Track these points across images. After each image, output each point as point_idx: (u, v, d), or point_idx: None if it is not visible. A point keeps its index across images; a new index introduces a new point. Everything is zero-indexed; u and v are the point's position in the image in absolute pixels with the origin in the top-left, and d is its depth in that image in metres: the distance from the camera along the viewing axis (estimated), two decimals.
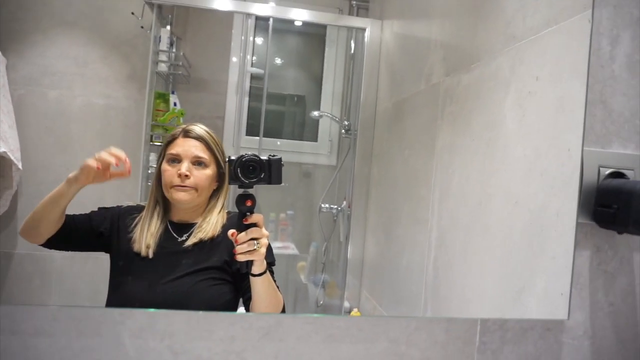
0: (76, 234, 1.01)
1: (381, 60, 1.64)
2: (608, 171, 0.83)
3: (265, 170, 0.89)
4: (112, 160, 0.91)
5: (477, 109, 0.92)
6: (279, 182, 0.92)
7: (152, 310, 0.41)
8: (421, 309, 1.10)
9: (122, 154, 0.93)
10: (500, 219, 0.80)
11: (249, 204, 0.88)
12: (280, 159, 0.92)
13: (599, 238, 0.81)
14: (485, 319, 0.50)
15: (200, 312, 0.42)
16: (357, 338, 0.47)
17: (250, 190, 0.90)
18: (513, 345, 0.61)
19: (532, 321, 0.55)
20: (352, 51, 1.98)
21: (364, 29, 1.63)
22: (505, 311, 0.78)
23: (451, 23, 1.10)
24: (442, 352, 0.54)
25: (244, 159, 0.88)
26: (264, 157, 0.90)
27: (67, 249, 1.03)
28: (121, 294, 1.00)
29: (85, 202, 1.80)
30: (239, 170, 0.88)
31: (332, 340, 0.46)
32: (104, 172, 0.90)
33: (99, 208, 0.96)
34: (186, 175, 1.00)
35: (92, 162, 0.90)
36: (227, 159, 0.92)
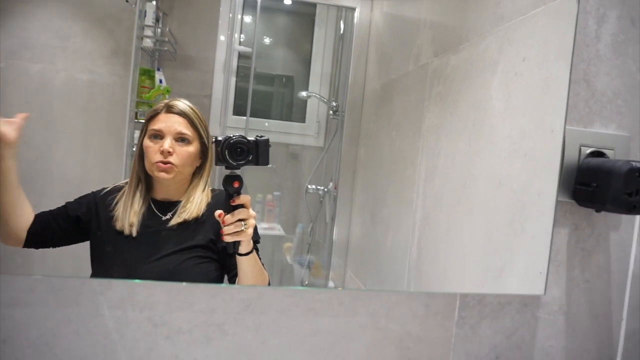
0: (54, 225, 0.98)
1: (370, 40, 1.63)
2: (589, 150, 0.85)
3: (253, 152, 0.89)
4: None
5: (464, 89, 0.92)
6: (266, 163, 0.91)
7: (132, 281, 0.41)
8: (404, 288, 1.12)
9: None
10: (483, 199, 0.81)
11: (236, 185, 0.88)
12: (267, 140, 0.91)
13: (578, 216, 0.83)
14: (464, 293, 0.52)
15: (182, 284, 0.42)
16: (337, 311, 0.47)
17: (237, 171, 0.89)
18: (491, 320, 0.62)
19: (509, 296, 0.56)
20: (342, 31, 1.96)
21: (353, 9, 1.61)
22: (485, 289, 0.79)
23: (440, 3, 1.09)
24: (422, 326, 0.55)
25: (231, 141, 0.87)
26: (251, 138, 0.89)
27: (50, 245, 1.00)
28: (105, 274, 0.99)
29: (69, 182, 1.78)
30: (226, 152, 0.87)
31: (313, 314, 0.46)
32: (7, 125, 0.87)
33: (75, 198, 0.94)
34: (169, 152, 0.98)
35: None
36: (213, 140, 0.91)
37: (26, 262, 1.81)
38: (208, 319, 0.43)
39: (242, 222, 0.87)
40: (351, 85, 1.63)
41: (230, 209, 0.87)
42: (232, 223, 0.86)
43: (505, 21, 0.79)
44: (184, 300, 0.42)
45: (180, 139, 0.99)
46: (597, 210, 0.88)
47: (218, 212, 0.88)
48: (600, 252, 0.82)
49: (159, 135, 0.99)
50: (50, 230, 0.99)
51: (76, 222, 1.02)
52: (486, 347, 0.65)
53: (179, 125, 1.00)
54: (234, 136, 0.88)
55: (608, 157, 0.88)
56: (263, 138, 0.90)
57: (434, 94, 1.05)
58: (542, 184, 0.67)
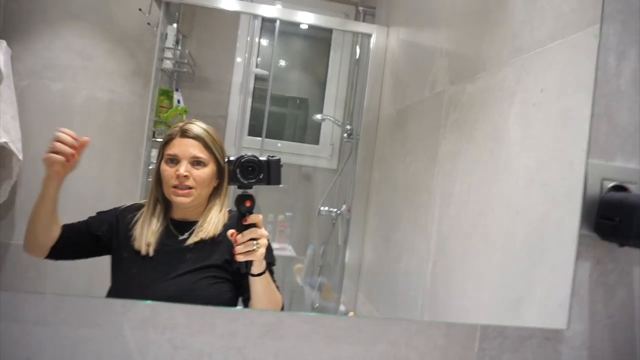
0: (75, 240, 1.00)
1: (386, 66, 1.65)
2: (611, 184, 0.84)
3: (264, 171, 0.89)
4: (68, 149, 0.90)
5: (481, 118, 0.92)
6: (277, 182, 0.91)
7: (154, 302, 0.42)
8: (418, 314, 1.11)
9: (70, 134, 0.92)
10: (500, 228, 0.81)
11: (248, 204, 0.88)
12: (279, 160, 0.91)
13: (600, 250, 0.82)
14: (485, 325, 0.51)
15: (202, 307, 0.42)
16: (357, 339, 0.47)
17: (250, 191, 0.89)
18: (512, 352, 0.61)
19: (531, 329, 0.55)
20: (357, 56, 1.99)
21: (369, 35, 1.64)
22: (502, 320, 0.78)
23: (457, 32, 1.11)
24: (441, 356, 0.54)
25: (242, 160, 0.88)
26: (263, 158, 0.90)
27: (71, 258, 1.02)
28: (122, 292, 1.00)
29: (86, 198, 1.80)
30: (238, 171, 0.88)
31: (333, 341, 0.46)
32: (68, 160, 0.89)
33: (97, 213, 0.95)
34: (185, 176, 0.99)
35: (54, 157, 0.89)
36: (226, 159, 0.92)
37: (40, 275, 1.83)
38: (228, 342, 0.43)
39: (254, 242, 0.87)
40: (366, 109, 1.65)
41: (242, 228, 0.87)
42: (243, 242, 0.86)
43: (523, 52, 0.80)
44: (205, 323, 0.42)
45: (196, 162, 1.01)
46: (620, 245, 0.87)
47: (230, 231, 0.89)
48: (623, 287, 0.80)
49: (174, 160, 1.00)
50: (73, 245, 1.01)
51: (96, 241, 1.03)
52: None
53: (193, 149, 1.02)
54: (245, 155, 0.89)
55: (631, 192, 0.88)
56: (274, 158, 0.91)
57: (450, 122, 1.06)
58: (561, 215, 0.67)
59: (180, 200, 0.98)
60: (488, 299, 0.84)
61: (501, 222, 0.81)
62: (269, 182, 0.90)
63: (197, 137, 1.02)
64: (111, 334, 0.40)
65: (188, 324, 0.41)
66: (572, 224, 0.64)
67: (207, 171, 1.00)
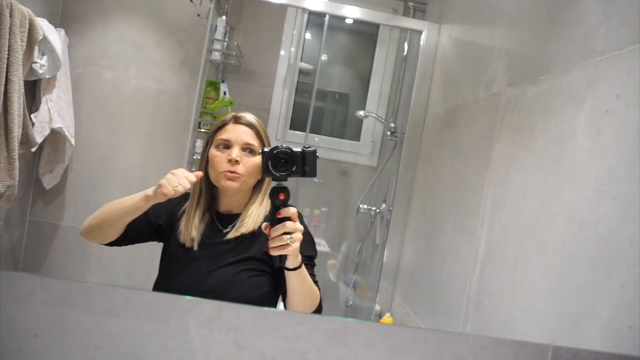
0: (137, 233, 1.01)
1: (436, 64, 1.60)
2: None
3: (298, 163, 0.86)
4: (187, 188, 0.91)
5: (542, 122, 0.88)
6: (313, 175, 0.88)
7: (220, 302, 0.42)
8: (461, 322, 1.08)
9: (191, 178, 0.92)
10: (561, 239, 0.77)
11: (282, 197, 0.85)
12: (315, 151, 0.87)
13: None
14: (557, 346, 0.48)
15: (267, 309, 0.42)
16: (422, 351, 0.45)
17: (284, 183, 0.87)
18: None
19: (608, 355, 0.52)
20: (405, 53, 1.95)
21: (420, 32, 1.60)
22: (558, 337, 0.74)
23: (519, 31, 1.06)
24: None
25: (275, 152, 0.85)
26: (297, 149, 0.86)
27: (127, 244, 1.04)
28: (167, 281, 1.01)
29: (130, 184, 1.86)
30: (269, 163, 0.85)
31: (397, 351, 0.45)
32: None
33: (153, 205, 0.96)
34: (236, 161, 0.98)
35: (168, 190, 0.89)
36: (260, 151, 0.90)
37: (85, 258, 1.90)
38: (292, 346, 0.42)
39: (288, 236, 0.84)
40: (413, 107, 1.61)
41: (276, 221, 0.85)
42: (277, 236, 0.84)
43: (597, 55, 0.76)
44: (269, 326, 0.42)
45: (248, 149, 1.00)
46: None
47: (264, 224, 0.87)
48: None
49: (226, 145, 1.00)
50: (134, 236, 1.02)
51: (157, 229, 1.04)
52: None
53: (246, 135, 1.01)
54: (279, 147, 0.86)
55: None
56: (310, 149, 0.87)
57: (506, 125, 1.02)
58: (635, 231, 0.62)
59: (228, 184, 0.98)
60: (542, 314, 0.80)
61: (562, 233, 0.77)
62: (303, 174, 0.86)
63: (250, 125, 1.02)
64: (177, 331, 0.41)
65: (253, 325, 0.41)
66: None
67: (256, 160, 1.00)
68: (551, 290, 0.78)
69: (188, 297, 0.42)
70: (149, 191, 0.94)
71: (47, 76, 1.58)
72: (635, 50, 0.68)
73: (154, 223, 1.04)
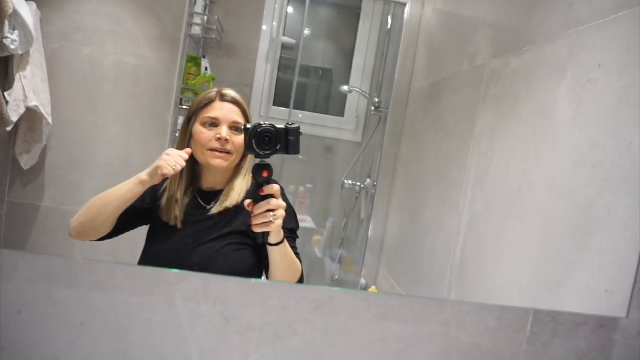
0: (126, 221, 1.00)
1: (420, 37, 1.59)
2: None
3: (282, 141, 0.86)
4: (182, 166, 0.90)
5: (525, 93, 0.89)
6: (296, 152, 0.87)
7: (206, 274, 0.41)
8: (445, 292, 1.10)
9: (184, 156, 0.92)
10: (541, 208, 0.79)
11: (265, 174, 0.85)
12: (298, 128, 0.87)
13: None
14: (538, 309, 0.50)
15: (253, 280, 0.42)
16: (408, 318, 0.46)
17: (267, 160, 0.86)
18: (564, 338, 0.60)
19: (585, 316, 0.54)
20: (389, 26, 1.93)
21: (403, 4, 1.58)
22: (538, 302, 0.76)
23: (503, 2, 1.05)
24: (492, 339, 0.53)
25: (259, 129, 0.84)
26: (280, 126, 0.86)
27: (117, 235, 1.02)
28: (151, 258, 1.01)
29: (112, 163, 1.82)
30: (253, 141, 0.84)
31: (383, 319, 0.46)
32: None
33: None
34: (226, 139, 0.98)
35: (168, 170, 0.89)
36: (242, 127, 0.89)
37: (67, 238, 1.87)
38: (279, 316, 0.42)
39: (271, 213, 0.85)
40: (397, 81, 1.60)
41: (259, 198, 0.85)
42: (260, 213, 0.84)
43: (580, 24, 0.76)
44: (256, 297, 0.42)
45: (235, 127, 1.00)
46: None
47: (247, 201, 0.87)
48: None
49: (213, 123, 0.99)
50: (122, 225, 1.01)
51: (143, 213, 1.03)
52: None
53: (234, 113, 1.00)
54: (262, 124, 0.85)
55: None
56: (293, 125, 0.86)
57: (490, 96, 1.02)
58: (612, 198, 0.64)
59: (218, 163, 0.98)
60: (523, 281, 0.83)
61: (542, 202, 0.78)
62: (287, 151, 0.86)
63: (236, 102, 1.01)
64: (163, 304, 0.40)
65: (240, 297, 0.41)
66: (625, 207, 0.61)
67: (243, 138, 0.99)
68: (531, 258, 0.80)
69: (174, 270, 0.42)
70: (143, 175, 0.93)
71: (20, 52, 1.52)
72: (618, 18, 0.68)
73: (139, 207, 1.03)
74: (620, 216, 0.62)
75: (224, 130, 0.97)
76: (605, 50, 0.69)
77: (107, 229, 0.99)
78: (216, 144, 0.97)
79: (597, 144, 0.69)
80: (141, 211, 1.02)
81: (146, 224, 1.05)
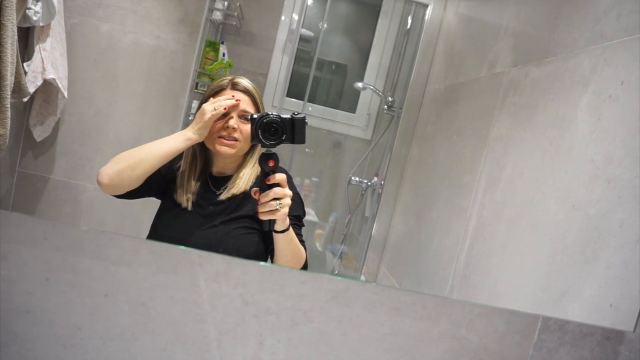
0: (151, 185, 1.00)
1: (439, 40, 1.60)
2: None
3: (287, 132, 0.87)
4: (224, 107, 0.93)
5: (544, 104, 0.89)
6: (302, 142, 0.88)
7: (230, 257, 0.43)
8: (446, 294, 1.11)
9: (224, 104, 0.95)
10: (552, 220, 0.79)
11: (271, 164, 0.86)
12: (304, 118, 0.88)
13: None
14: (547, 317, 0.51)
15: (274, 266, 0.43)
16: (420, 315, 0.47)
17: (274, 150, 0.87)
18: (570, 347, 0.61)
19: (593, 327, 0.55)
20: (408, 26, 1.93)
21: (426, 5, 1.58)
22: (541, 312, 0.78)
23: (528, 11, 1.05)
24: (500, 342, 0.54)
25: (265, 120, 0.85)
26: (286, 116, 0.87)
27: (135, 197, 1.02)
28: (159, 239, 1.02)
29: (123, 142, 1.83)
30: (259, 132, 0.85)
31: (396, 314, 0.47)
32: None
33: None
34: (234, 128, 0.99)
35: (212, 112, 0.91)
36: (249, 117, 0.90)
37: (75, 212, 1.89)
38: (296, 303, 0.43)
39: (277, 201, 0.86)
40: (412, 82, 1.61)
41: (265, 187, 0.86)
42: (266, 202, 0.86)
43: (605, 40, 0.76)
44: (276, 283, 0.43)
45: (244, 116, 1.01)
46: None
47: (254, 189, 0.89)
48: None
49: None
50: (146, 187, 1.01)
51: (164, 185, 1.04)
52: None
53: (244, 103, 1.01)
54: (269, 115, 0.86)
55: None
56: (299, 116, 0.87)
57: (507, 105, 1.03)
58: (625, 215, 0.65)
59: (225, 150, 0.99)
60: (528, 289, 0.84)
61: (554, 214, 0.79)
62: (292, 142, 0.87)
63: (247, 92, 1.02)
64: (186, 283, 0.41)
65: (260, 281, 0.42)
66: (639, 225, 0.62)
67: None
68: (538, 268, 0.81)
69: (199, 251, 0.43)
70: (189, 133, 0.95)
71: (41, 24, 1.53)
72: None
73: (164, 178, 1.04)
74: (631, 234, 0.63)
75: (232, 120, 0.98)
76: (628, 69, 0.70)
77: (139, 181, 0.98)
78: (224, 132, 0.99)
79: (613, 160, 0.69)
80: (163, 182, 1.03)
81: (159, 199, 1.06)
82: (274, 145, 0.86)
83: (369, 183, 1.99)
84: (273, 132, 0.85)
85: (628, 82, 0.70)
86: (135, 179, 0.98)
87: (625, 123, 0.69)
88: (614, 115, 0.71)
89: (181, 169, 1.04)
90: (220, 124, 1.00)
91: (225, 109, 0.92)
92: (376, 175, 1.94)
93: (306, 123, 0.88)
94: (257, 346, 0.44)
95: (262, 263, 0.46)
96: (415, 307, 0.50)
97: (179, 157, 1.02)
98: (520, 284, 0.85)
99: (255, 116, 0.86)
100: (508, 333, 0.54)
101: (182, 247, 0.44)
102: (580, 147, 0.76)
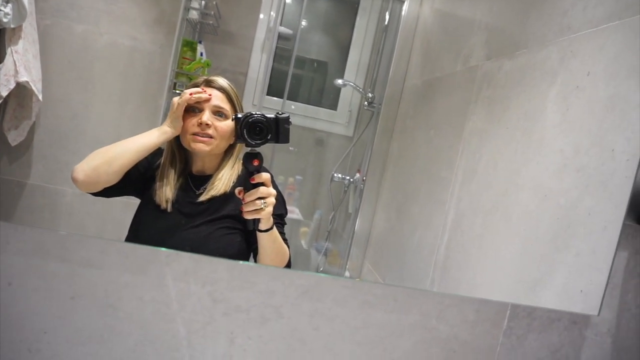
0: (128, 182, 0.99)
1: (416, 35, 1.61)
2: None
3: (272, 131, 0.88)
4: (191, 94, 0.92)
5: (516, 97, 0.90)
6: (286, 141, 0.90)
7: (197, 255, 0.42)
8: (427, 287, 1.12)
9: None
10: (525, 210, 0.81)
11: (255, 163, 0.87)
12: (288, 117, 0.89)
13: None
14: (516, 304, 0.51)
15: (243, 263, 0.43)
16: (392, 307, 0.47)
17: (258, 149, 0.88)
18: (538, 333, 0.62)
19: (560, 312, 0.56)
20: (386, 23, 1.94)
21: (402, 1, 1.59)
22: (516, 300, 0.79)
23: (500, 6, 1.07)
24: (470, 331, 0.55)
25: (250, 120, 0.86)
26: (270, 116, 0.88)
27: (112, 195, 1.01)
28: (140, 239, 1.01)
29: (102, 143, 1.81)
30: (244, 131, 0.86)
31: (368, 307, 0.47)
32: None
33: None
34: (207, 124, 0.99)
35: (181, 99, 0.91)
36: (233, 116, 0.91)
37: (54, 217, 1.86)
38: (266, 300, 0.43)
39: (262, 201, 0.87)
40: (391, 78, 1.62)
41: (250, 186, 0.87)
42: (251, 201, 0.86)
43: (572, 32, 0.78)
44: (245, 280, 0.43)
45: (218, 112, 1.01)
46: None
47: (238, 189, 0.90)
48: None
49: (197, 109, 1.00)
50: (124, 183, 1.00)
51: (143, 182, 1.03)
52: (530, 359, 0.65)
53: (216, 99, 1.01)
54: (254, 114, 0.87)
55: None
56: (283, 115, 0.89)
57: (482, 98, 1.04)
58: (593, 202, 0.66)
59: (200, 147, 0.99)
60: (504, 279, 0.85)
61: (527, 204, 0.81)
62: (277, 141, 0.88)
63: (221, 89, 1.02)
64: (154, 283, 0.41)
65: (229, 279, 0.42)
66: (604, 212, 0.64)
67: (228, 123, 1.00)
68: (513, 257, 0.82)
69: (166, 250, 0.43)
70: (163, 126, 0.95)
71: (12, 26, 1.51)
72: (609, 28, 0.70)
73: (143, 175, 1.03)
74: (599, 221, 0.64)
75: (205, 116, 0.98)
76: (594, 59, 0.71)
77: (116, 177, 0.98)
78: (197, 129, 0.99)
79: (581, 149, 0.71)
80: (141, 180, 1.02)
81: (138, 197, 1.05)
82: (259, 145, 0.87)
83: (351, 179, 1.99)
84: (258, 131, 0.86)
85: (594, 72, 0.71)
86: (112, 174, 0.98)
87: (591, 113, 0.70)
88: (580, 105, 0.72)
89: (160, 167, 1.04)
90: (193, 120, 1.00)
91: (191, 94, 0.92)
92: (358, 171, 1.94)
93: (290, 123, 0.89)
94: (227, 344, 0.43)
95: (230, 260, 0.46)
96: (386, 299, 0.50)
97: (158, 155, 1.02)
98: (496, 274, 0.86)
99: (239, 116, 0.87)
100: (478, 322, 0.55)
101: (150, 247, 0.43)
102: (550, 137, 0.78)
